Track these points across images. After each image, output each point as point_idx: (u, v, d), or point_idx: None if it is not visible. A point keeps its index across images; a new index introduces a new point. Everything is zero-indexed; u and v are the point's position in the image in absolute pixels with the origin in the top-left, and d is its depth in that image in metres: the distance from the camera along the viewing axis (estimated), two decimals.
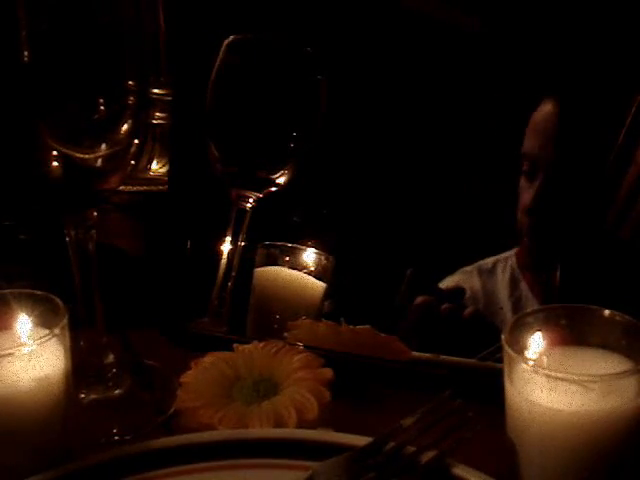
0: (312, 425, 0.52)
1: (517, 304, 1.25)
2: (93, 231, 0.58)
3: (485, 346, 0.74)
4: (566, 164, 1.00)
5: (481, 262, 1.34)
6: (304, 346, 0.62)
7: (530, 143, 1.04)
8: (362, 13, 0.90)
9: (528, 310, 0.49)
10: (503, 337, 0.46)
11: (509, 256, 1.22)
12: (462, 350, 0.70)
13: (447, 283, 1.34)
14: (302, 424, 0.52)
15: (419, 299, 1.07)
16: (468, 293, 1.26)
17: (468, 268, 1.35)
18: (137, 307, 0.75)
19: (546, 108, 1.02)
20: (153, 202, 0.91)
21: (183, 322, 0.76)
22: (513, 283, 1.29)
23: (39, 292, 0.50)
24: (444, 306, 1.07)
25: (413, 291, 1.08)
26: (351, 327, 0.71)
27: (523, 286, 1.29)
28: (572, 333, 0.47)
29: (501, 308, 1.23)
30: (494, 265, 1.31)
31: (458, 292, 1.14)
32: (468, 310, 1.12)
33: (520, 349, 0.46)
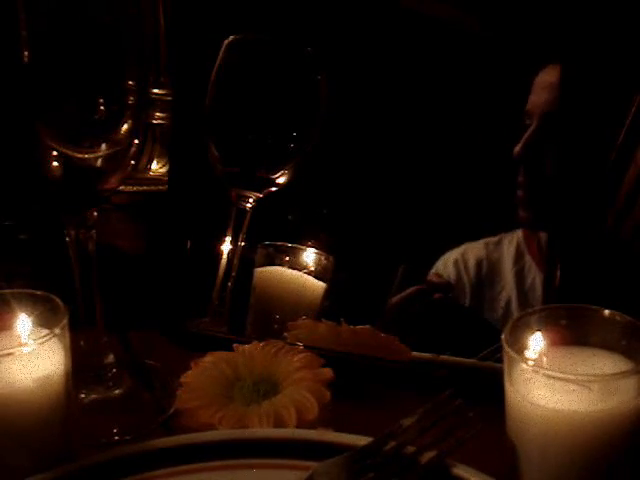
0: (312, 425, 0.52)
1: (520, 274, 1.25)
2: (93, 231, 0.58)
3: (477, 339, 0.73)
4: (564, 113, 0.97)
5: (488, 238, 1.34)
6: (304, 346, 0.62)
7: (533, 99, 1.02)
8: (362, 13, 0.90)
9: (528, 310, 0.49)
10: (503, 337, 0.46)
11: (516, 232, 1.22)
12: (452, 342, 0.69)
13: (452, 254, 1.34)
14: (302, 424, 0.52)
15: (411, 288, 1.07)
16: (472, 262, 1.25)
17: (474, 242, 1.35)
18: (137, 307, 0.75)
19: (550, 72, 1.00)
20: (153, 202, 0.91)
21: (183, 322, 0.76)
22: (518, 254, 1.29)
23: (39, 292, 0.50)
24: (437, 295, 1.07)
25: (406, 288, 1.08)
26: (351, 327, 0.71)
27: (527, 258, 1.29)
28: (572, 333, 0.47)
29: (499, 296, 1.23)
30: (500, 238, 1.31)
31: (447, 285, 1.14)
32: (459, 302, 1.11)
33: (520, 349, 0.46)
